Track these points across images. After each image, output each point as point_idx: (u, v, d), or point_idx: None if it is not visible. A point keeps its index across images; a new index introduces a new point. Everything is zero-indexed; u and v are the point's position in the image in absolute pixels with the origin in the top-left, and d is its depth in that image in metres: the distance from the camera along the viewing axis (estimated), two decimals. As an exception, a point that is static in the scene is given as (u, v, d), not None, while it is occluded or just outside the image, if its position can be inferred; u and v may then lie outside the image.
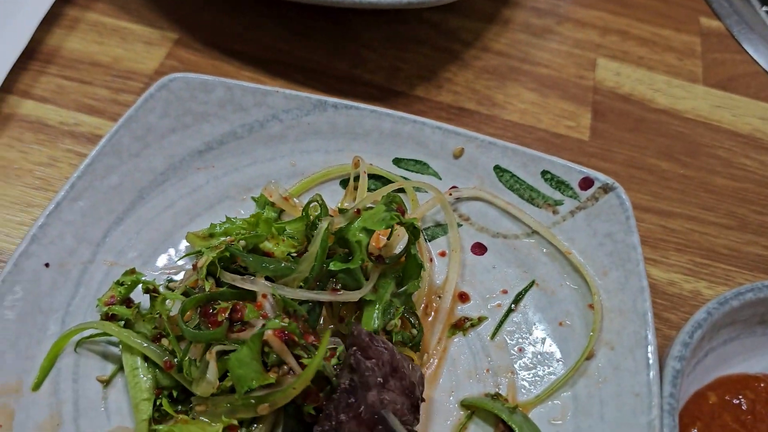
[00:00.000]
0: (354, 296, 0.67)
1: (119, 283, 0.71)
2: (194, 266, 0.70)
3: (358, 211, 0.70)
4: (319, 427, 0.62)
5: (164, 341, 0.67)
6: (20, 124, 0.94)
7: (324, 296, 0.67)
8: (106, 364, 0.70)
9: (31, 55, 1.01)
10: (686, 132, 1.09)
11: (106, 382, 0.69)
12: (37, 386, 0.65)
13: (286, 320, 0.64)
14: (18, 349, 0.66)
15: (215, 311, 0.65)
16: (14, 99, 0.97)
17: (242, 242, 0.70)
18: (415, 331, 0.72)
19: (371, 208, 0.71)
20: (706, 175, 1.03)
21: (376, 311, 0.67)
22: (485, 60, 1.12)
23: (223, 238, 0.73)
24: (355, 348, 0.63)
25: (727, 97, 1.14)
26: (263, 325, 0.62)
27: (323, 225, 0.68)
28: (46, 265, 0.71)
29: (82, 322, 0.69)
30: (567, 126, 1.06)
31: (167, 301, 0.67)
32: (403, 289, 0.72)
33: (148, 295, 0.71)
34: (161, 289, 0.71)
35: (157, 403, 0.67)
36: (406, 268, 0.72)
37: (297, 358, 0.63)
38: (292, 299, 0.66)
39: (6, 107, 0.95)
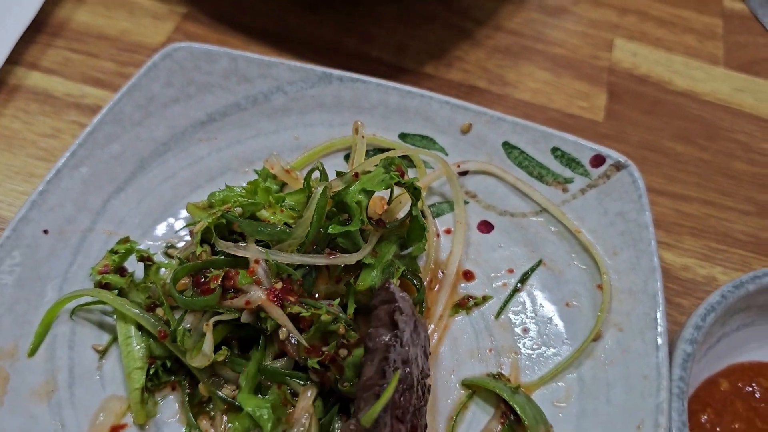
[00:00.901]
0: (351, 259, 0.65)
1: (113, 252, 0.70)
2: (190, 232, 0.69)
3: (357, 175, 0.68)
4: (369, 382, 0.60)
5: (158, 311, 0.66)
6: (26, 96, 0.94)
7: (319, 260, 0.65)
8: (102, 333, 0.69)
9: (39, 28, 1.01)
10: (705, 115, 1.06)
11: (102, 352, 0.68)
12: (32, 352, 0.65)
13: (279, 284, 0.62)
14: (15, 313, 0.66)
15: (207, 279, 0.63)
16: (21, 70, 0.96)
17: (239, 209, 0.68)
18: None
19: (370, 172, 0.69)
20: (724, 159, 1.00)
21: (374, 270, 0.65)
22: (497, 39, 1.10)
23: (221, 207, 0.71)
24: (391, 304, 0.62)
25: (749, 80, 1.11)
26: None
27: (319, 189, 0.66)
28: (45, 231, 0.70)
29: (78, 290, 0.68)
30: (580, 106, 1.03)
31: (161, 270, 0.66)
32: (407, 251, 0.70)
33: (142, 265, 0.70)
34: (156, 258, 0.70)
35: (150, 372, 0.66)
36: (409, 231, 0.70)
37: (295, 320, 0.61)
38: (287, 264, 0.64)
39: (13, 78, 0.95)
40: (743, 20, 1.20)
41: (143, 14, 1.05)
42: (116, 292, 0.69)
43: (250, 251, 0.64)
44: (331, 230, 0.65)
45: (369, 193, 0.66)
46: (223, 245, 0.65)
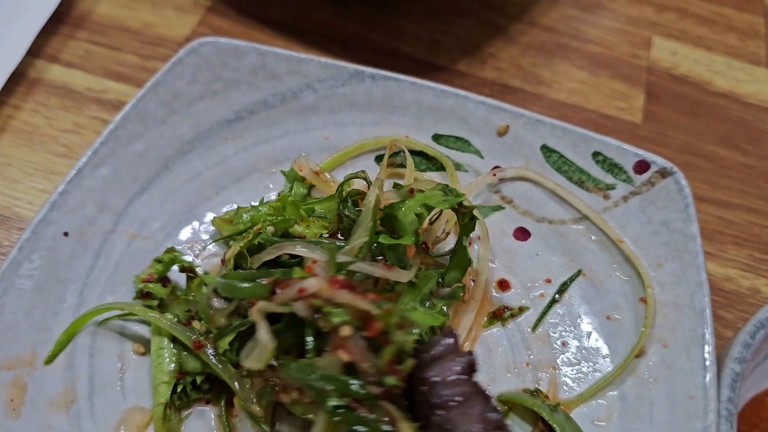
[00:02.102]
0: (405, 276, 0.61)
1: (158, 261, 0.68)
2: (222, 260, 0.66)
3: (412, 191, 0.65)
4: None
5: (195, 324, 0.64)
6: (47, 89, 0.91)
7: (378, 270, 0.61)
8: (124, 341, 0.67)
9: (60, 19, 0.98)
10: (747, 117, 1.01)
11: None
12: (50, 360, 0.62)
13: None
14: (34, 319, 0.63)
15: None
16: (42, 63, 0.93)
17: (270, 228, 0.65)
18: None
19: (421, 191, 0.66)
20: (768, 164, 0.96)
21: (415, 301, 0.62)
22: (532, 35, 1.06)
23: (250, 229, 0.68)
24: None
25: (793, 82, 1.06)
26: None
27: (372, 197, 0.62)
28: (66, 233, 0.67)
29: (110, 302, 0.66)
30: (618, 107, 0.99)
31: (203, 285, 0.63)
32: (447, 290, 0.67)
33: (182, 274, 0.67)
34: (199, 271, 0.67)
35: (178, 389, 0.63)
36: (451, 262, 0.67)
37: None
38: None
39: (33, 72, 0.92)
40: (787, 18, 1.15)
41: (167, 6, 1.02)
42: (156, 301, 0.66)
43: (313, 250, 0.59)
44: (382, 240, 0.61)
45: (429, 209, 0.63)
46: (276, 246, 0.60)
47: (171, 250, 0.70)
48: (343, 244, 0.62)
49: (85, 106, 0.90)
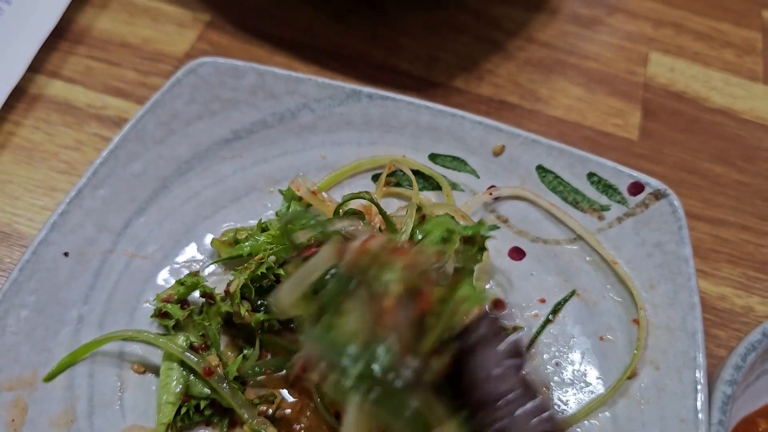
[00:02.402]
0: None
1: (180, 283, 0.69)
2: (226, 292, 0.67)
3: (423, 217, 0.67)
4: None
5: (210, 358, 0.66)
6: (48, 105, 0.92)
7: None
8: (123, 360, 0.67)
9: (61, 34, 0.99)
10: (743, 134, 1.02)
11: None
12: (50, 378, 0.63)
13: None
14: (34, 340, 0.64)
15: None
16: (43, 79, 0.94)
17: (272, 258, 0.66)
18: None
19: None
20: (763, 181, 0.96)
21: None
22: (529, 51, 1.07)
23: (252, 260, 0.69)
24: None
25: (789, 98, 1.07)
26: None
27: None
28: (66, 254, 0.68)
29: (122, 330, 0.67)
30: (615, 124, 0.99)
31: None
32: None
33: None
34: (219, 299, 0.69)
35: (182, 412, 0.64)
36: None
37: None
38: None
39: (34, 87, 0.93)
40: (784, 34, 1.16)
41: (166, 21, 1.03)
42: (173, 321, 0.67)
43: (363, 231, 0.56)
44: None
45: (450, 234, 0.64)
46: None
47: (194, 273, 0.70)
48: None
49: (85, 123, 0.90)
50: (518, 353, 0.54)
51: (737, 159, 0.99)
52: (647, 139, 0.99)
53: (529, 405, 0.52)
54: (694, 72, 1.08)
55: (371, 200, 0.70)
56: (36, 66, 0.94)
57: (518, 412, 0.51)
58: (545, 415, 0.52)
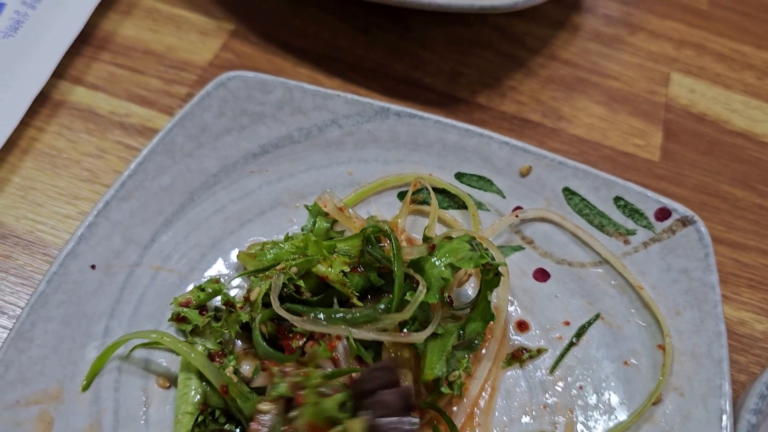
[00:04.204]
0: (420, 338, 0.63)
1: (200, 288, 0.69)
2: (246, 298, 0.67)
3: (433, 247, 0.66)
4: None
5: (226, 361, 0.66)
6: (71, 112, 0.92)
7: (396, 337, 0.64)
8: (149, 375, 0.67)
9: (85, 40, 0.98)
10: (763, 158, 1.02)
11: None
12: (86, 387, 0.64)
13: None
14: (60, 353, 0.64)
15: (293, 335, 0.63)
16: (66, 85, 0.94)
17: (294, 269, 0.66)
18: None
19: (449, 238, 0.67)
20: (784, 206, 0.97)
21: (439, 360, 0.64)
22: (552, 69, 1.07)
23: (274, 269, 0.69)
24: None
25: (808, 122, 1.07)
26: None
27: (399, 271, 0.65)
28: (93, 266, 0.68)
29: (144, 330, 0.67)
30: (636, 144, 0.99)
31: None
32: (468, 341, 0.68)
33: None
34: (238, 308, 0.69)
35: (199, 420, 0.64)
36: (473, 314, 0.68)
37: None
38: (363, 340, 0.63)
39: (57, 93, 0.93)
40: (804, 57, 1.16)
41: (190, 29, 1.03)
42: (191, 327, 0.68)
43: (333, 329, 0.62)
44: (408, 297, 0.62)
45: (455, 269, 0.64)
46: (298, 322, 0.62)
47: (216, 281, 0.71)
48: (368, 311, 0.64)
49: (108, 130, 0.90)
50: (407, 403, 0.57)
51: (757, 182, 0.99)
52: (668, 160, 0.99)
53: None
54: (715, 94, 1.08)
55: (387, 234, 0.70)
56: (59, 71, 0.94)
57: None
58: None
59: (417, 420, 0.57)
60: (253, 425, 0.59)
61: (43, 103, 0.91)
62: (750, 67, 1.13)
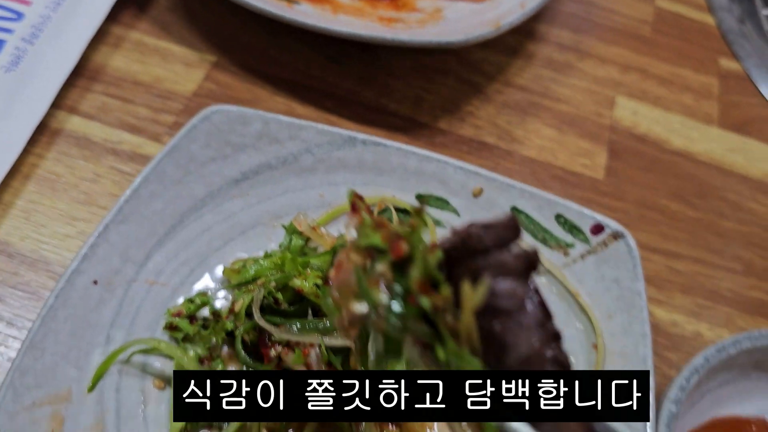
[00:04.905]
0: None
1: (190, 301, 0.79)
2: (231, 310, 0.77)
3: None
4: None
5: (214, 364, 0.75)
6: (67, 140, 1.00)
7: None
8: (146, 377, 0.76)
9: (79, 72, 1.07)
10: (698, 174, 1.13)
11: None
12: (92, 388, 0.73)
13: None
14: (69, 360, 0.73)
15: (270, 343, 0.73)
16: (63, 114, 1.03)
17: (272, 283, 0.75)
18: None
19: None
20: (714, 218, 1.08)
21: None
22: (507, 94, 1.17)
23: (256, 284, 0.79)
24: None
25: (741, 141, 1.18)
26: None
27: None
28: (95, 282, 0.77)
29: (142, 338, 0.77)
30: (582, 164, 1.10)
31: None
32: None
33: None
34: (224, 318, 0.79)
35: (191, 416, 0.74)
36: None
37: None
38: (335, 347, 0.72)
39: (55, 122, 1.02)
40: (738, 80, 1.28)
41: (175, 61, 1.12)
42: (182, 335, 0.77)
43: (306, 337, 0.72)
44: None
45: None
46: (275, 331, 0.72)
47: (203, 294, 0.81)
48: None
49: (102, 156, 0.99)
50: (532, 266, 0.48)
51: (691, 197, 1.10)
52: (612, 177, 1.10)
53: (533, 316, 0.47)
54: (656, 115, 1.20)
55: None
56: (56, 102, 1.02)
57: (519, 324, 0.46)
58: (551, 325, 0.48)
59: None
60: (333, 272, 0.50)
61: (42, 131, 1.00)
62: (688, 90, 1.25)
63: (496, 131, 1.12)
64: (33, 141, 0.98)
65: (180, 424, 0.73)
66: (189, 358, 0.74)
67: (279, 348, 0.74)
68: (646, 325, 0.80)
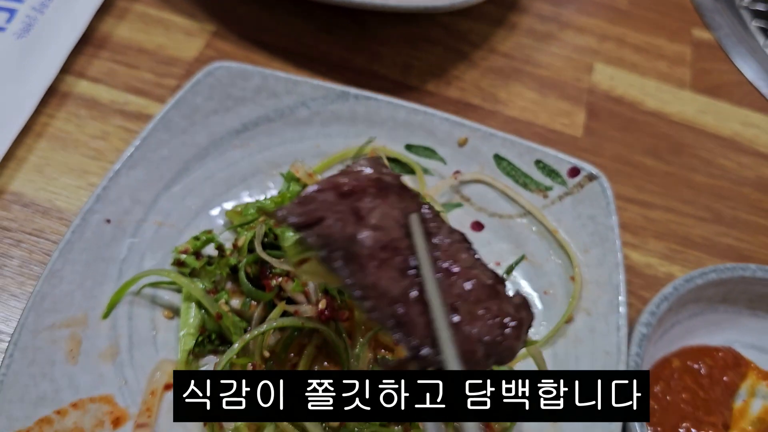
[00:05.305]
0: None
1: (196, 238, 0.85)
2: (234, 245, 0.83)
3: None
4: None
5: (219, 295, 0.81)
6: (77, 102, 1.06)
7: None
8: (155, 308, 0.82)
9: (86, 41, 1.13)
10: (672, 133, 1.20)
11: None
12: (106, 315, 0.78)
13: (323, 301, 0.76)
14: (84, 289, 0.79)
15: (272, 275, 0.78)
16: (71, 78, 1.09)
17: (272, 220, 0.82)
18: None
19: None
20: (687, 172, 1.15)
21: None
22: (491, 61, 1.24)
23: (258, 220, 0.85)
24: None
25: (711, 103, 1.25)
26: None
27: None
28: (108, 220, 0.83)
29: (154, 269, 0.82)
30: (562, 123, 1.17)
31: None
32: None
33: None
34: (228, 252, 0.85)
35: (199, 341, 0.79)
36: None
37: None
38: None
39: (64, 86, 1.08)
40: (710, 49, 1.35)
41: (177, 30, 1.18)
42: (189, 270, 0.83)
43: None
44: None
45: None
46: (276, 263, 0.77)
47: (208, 231, 0.86)
48: None
49: (110, 116, 1.05)
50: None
51: (665, 153, 1.17)
52: (590, 135, 1.16)
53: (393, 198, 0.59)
54: (632, 80, 1.27)
55: None
56: (65, 67, 1.08)
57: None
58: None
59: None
60: None
61: (52, 94, 1.06)
62: (663, 57, 1.32)
63: (480, 93, 1.18)
64: (44, 102, 1.04)
65: (189, 347, 0.79)
66: (196, 285, 0.80)
67: (279, 279, 0.80)
68: (619, 255, 0.87)
